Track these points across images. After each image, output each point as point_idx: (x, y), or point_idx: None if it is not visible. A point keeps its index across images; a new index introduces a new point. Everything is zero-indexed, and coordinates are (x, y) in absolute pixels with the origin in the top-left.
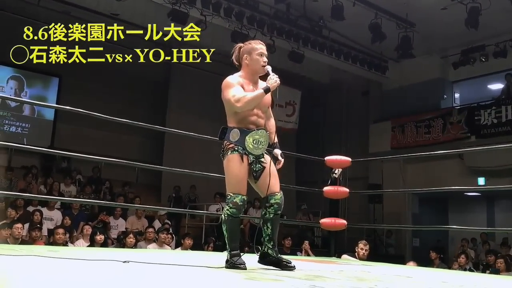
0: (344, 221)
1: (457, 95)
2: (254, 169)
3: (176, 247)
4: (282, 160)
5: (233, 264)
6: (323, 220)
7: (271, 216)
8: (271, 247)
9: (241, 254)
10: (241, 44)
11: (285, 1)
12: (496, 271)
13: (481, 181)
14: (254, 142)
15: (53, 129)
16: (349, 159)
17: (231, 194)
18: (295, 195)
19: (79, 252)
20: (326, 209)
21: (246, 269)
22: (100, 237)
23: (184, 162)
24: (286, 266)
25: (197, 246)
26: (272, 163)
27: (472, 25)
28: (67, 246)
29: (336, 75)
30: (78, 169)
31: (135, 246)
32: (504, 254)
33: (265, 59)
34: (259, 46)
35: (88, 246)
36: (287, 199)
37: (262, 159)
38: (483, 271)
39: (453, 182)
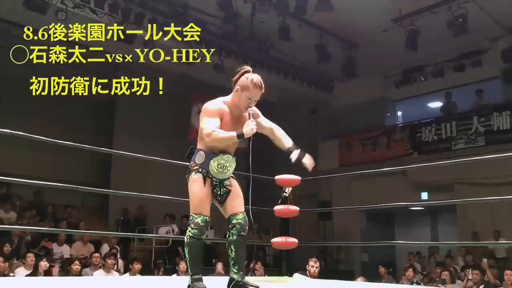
0: (295, 240)
1: (399, 113)
2: (218, 192)
3: (125, 272)
4: (308, 159)
5: None
6: (274, 240)
7: (234, 238)
8: (235, 271)
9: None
10: (247, 69)
11: (233, 21)
12: (443, 283)
13: (424, 195)
14: (219, 166)
15: None
16: (299, 177)
17: (193, 214)
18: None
19: (22, 284)
20: (277, 228)
21: None
22: (45, 264)
23: (132, 183)
24: None
25: (146, 270)
26: (237, 184)
27: (411, 47)
28: (7, 275)
29: (284, 95)
30: (18, 194)
31: (80, 273)
32: (449, 266)
33: (252, 104)
34: (255, 91)
35: (30, 273)
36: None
37: (227, 182)
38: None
39: (398, 197)
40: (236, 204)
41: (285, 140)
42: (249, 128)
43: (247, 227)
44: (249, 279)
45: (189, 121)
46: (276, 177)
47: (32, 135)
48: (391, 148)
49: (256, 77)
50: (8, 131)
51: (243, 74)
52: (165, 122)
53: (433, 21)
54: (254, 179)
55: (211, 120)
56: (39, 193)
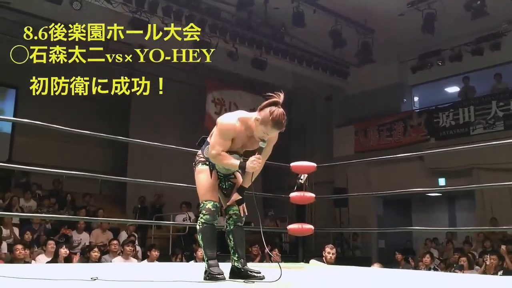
0: (311, 226)
1: (416, 99)
2: (224, 186)
3: (143, 259)
4: (242, 208)
5: (212, 275)
6: (290, 226)
7: (231, 228)
8: (236, 259)
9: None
10: (275, 101)
11: (246, 8)
12: (460, 268)
13: (441, 181)
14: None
15: (10, 142)
16: (314, 164)
17: (203, 201)
18: (262, 202)
19: (43, 270)
20: (293, 215)
21: (224, 279)
22: (65, 251)
23: (148, 172)
24: (254, 277)
25: (164, 257)
26: (240, 177)
27: (428, 31)
28: (28, 262)
29: (299, 81)
30: (38, 183)
31: (99, 260)
32: (467, 252)
33: (266, 138)
34: (272, 130)
35: (51, 260)
36: (253, 206)
37: (231, 176)
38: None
39: (415, 184)
40: (234, 196)
41: (247, 180)
42: (251, 165)
43: (243, 218)
44: (263, 265)
45: (204, 109)
46: (292, 164)
47: (52, 125)
48: (407, 134)
49: (279, 116)
50: (27, 120)
51: (271, 104)
52: (180, 111)
53: (451, 4)
54: (270, 167)
55: (222, 142)
56: (58, 182)
